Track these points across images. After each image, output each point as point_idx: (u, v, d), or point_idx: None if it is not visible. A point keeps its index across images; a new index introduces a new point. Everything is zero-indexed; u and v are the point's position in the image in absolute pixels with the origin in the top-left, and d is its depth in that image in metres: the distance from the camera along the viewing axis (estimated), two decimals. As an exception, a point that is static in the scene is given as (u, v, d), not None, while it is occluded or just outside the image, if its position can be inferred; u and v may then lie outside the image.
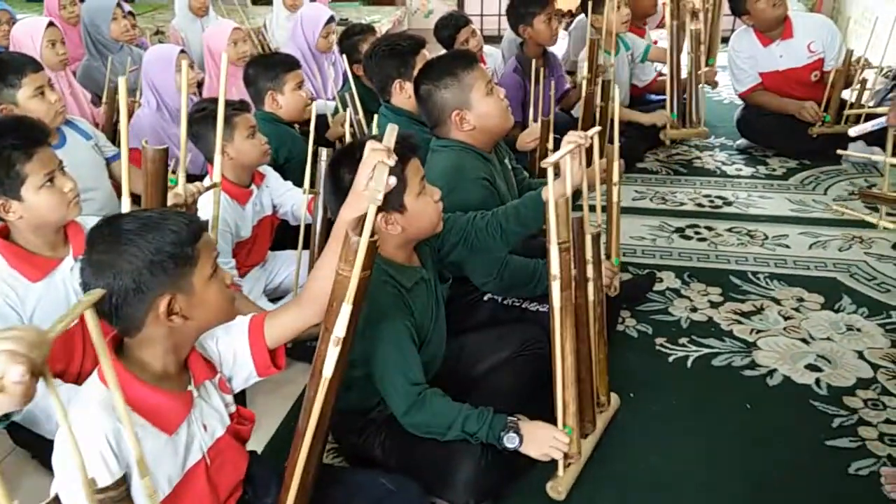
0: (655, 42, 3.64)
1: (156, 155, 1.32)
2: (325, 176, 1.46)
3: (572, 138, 1.51)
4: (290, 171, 2.35)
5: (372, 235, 1.07)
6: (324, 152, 1.84)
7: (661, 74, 3.46)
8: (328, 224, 1.84)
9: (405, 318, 1.43)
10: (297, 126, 2.68)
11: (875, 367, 1.91)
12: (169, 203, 1.44)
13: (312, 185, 2.02)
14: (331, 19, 3.23)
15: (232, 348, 1.21)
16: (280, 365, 1.25)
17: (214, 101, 2.20)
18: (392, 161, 1.08)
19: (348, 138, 2.44)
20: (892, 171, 2.18)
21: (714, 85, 3.57)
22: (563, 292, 1.43)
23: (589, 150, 1.62)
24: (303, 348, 1.85)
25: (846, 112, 3.07)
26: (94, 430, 0.99)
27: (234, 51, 2.98)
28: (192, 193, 1.61)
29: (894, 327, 2.07)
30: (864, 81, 3.10)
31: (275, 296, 2.21)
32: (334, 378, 1.18)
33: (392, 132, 1.14)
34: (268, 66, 2.42)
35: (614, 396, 1.77)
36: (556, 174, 1.43)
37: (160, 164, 1.35)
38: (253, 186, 2.09)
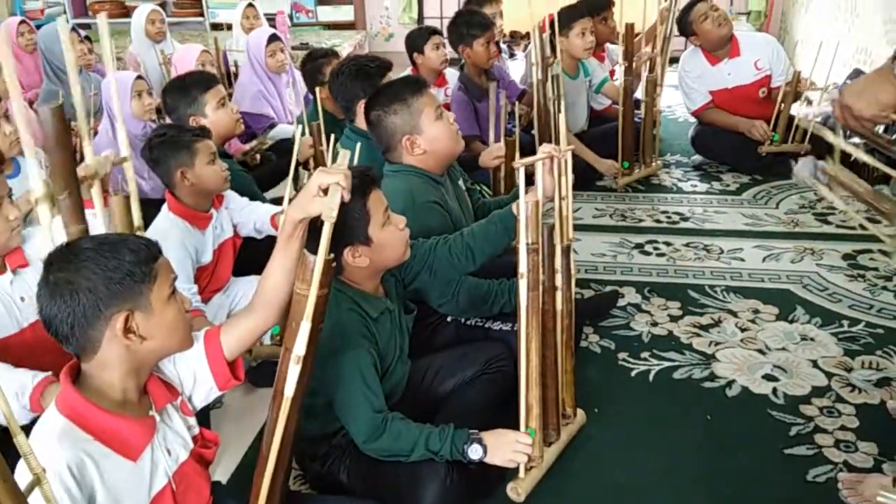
0: (612, 72, 3.73)
1: (53, 114, 1.24)
2: (289, 204, 1.46)
3: (547, 149, 1.54)
4: None
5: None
6: (305, 175, 1.85)
7: (616, 103, 3.54)
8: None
9: (369, 347, 1.44)
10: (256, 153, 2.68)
11: (829, 375, 1.96)
12: (80, 175, 1.39)
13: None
14: (273, 38, 3.22)
15: (190, 366, 1.20)
16: (240, 377, 1.24)
17: (174, 126, 2.20)
18: (346, 183, 1.10)
19: (312, 163, 2.46)
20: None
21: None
22: (531, 292, 1.45)
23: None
24: (266, 376, 1.84)
25: (794, 129, 3.18)
26: (56, 462, 0.98)
27: (201, 74, 2.96)
28: (101, 164, 1.57)
29: (846, 336, 2.14)
30: (808, 101, 3.22)
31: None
32: (296, 398, 1.18)
33: (344, 157, 1.16)
34: (183, 90, 2.29)
35: (580, 412, 1.80)
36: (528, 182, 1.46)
37: (59, 121, 1.27)
38: (212, 210, 2.07)
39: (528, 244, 1.42)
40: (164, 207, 2.00)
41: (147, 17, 3.98)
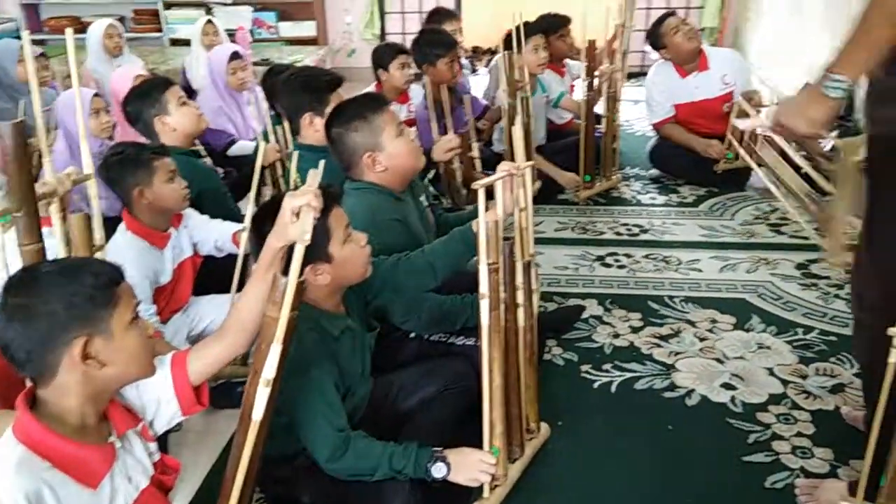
0: (573, 87, 3.79)
1: (13, 130, 1.22)
2: (249, 231, 1.46)
3: (505, 167, 1.56)
4: (205, 206, 2.31)
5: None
6: (268, 192, 1.84)
7: (577, 117, 3.60)
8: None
9: (330, 366, 1.43)
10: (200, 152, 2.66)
11: (785, 382, 2.01)
12: (38, 192, 1.37)
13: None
14: (235, 56, 3.20)
15: (154, 389, 1.18)
16: (204, 402, 1.23)
17: (132, 144, 2.17)
18: (317, 203, 1.11)
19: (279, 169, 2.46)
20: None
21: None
22: (492, 312, 1.45)
23: None
24: (226, 396, 1.82)
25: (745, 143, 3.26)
26: (13, 491, 0.95)
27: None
28: (61, 181, 1.55)
29: (801, 344, 2.19)
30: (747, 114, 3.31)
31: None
32: (264, 421, 1.17)
33: (314, 176, 1.17)
34: (144, 94, 2.33)
35: (544, 426, 1.81)
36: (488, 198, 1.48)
37: (18, 137, 1.25)
38: (171, 229, 2.04)
39: (488, 264, 1.43)
40: (121, 226, 1.97)
41: (105, 32, 3.92)
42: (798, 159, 2.21)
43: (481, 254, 1.43)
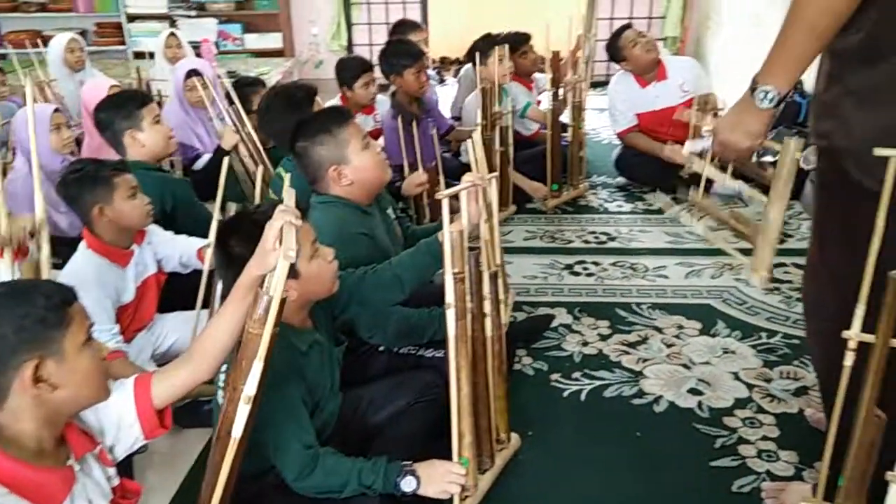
0: (539, 102, 3.84)
1: None
2: (214, 247, 1.44)
3: (470, 177, 1.57)
4: (180, 218, 2.29)
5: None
6: (233, 207, 1.82)
7: (543, 128, 3.64)
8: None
9: (298, 382, 1.42)
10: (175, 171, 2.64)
11: (750, 386, 2.04)
12: None
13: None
14: (192, 73, 3.17)
15: (115, 412, 1.16)
16: (167, 425, 1.22)
17: (91, 161, 2.14)
18: (299, 221, 1.13)
19: (242, 150, 2.46)
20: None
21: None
22: (459, 321, 1.45)
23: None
24: (193, 415, 1.79)
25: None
26: None
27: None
28: (17, 233, 1.53)
29: (765, 348, 2.23)
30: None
31: (163, 361, 2.12)
32: (243, 439, 1.16)
33: (290, 194, 1.17)
34: (119, 105, 2.31)
35: (514, 436, 1.81)
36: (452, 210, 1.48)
37: None
38: (134, 246, 2.01)
39: (454, 274, 1.43)
40: (82, 245, 1.94)
41: (66, 46, 3.87)
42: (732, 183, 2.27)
43: (447, 264, 1.43)
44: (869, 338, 1.12)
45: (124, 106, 2.29)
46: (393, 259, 1.70)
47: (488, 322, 1.62)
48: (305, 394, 1.44)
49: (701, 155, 1.61)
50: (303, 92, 2.37)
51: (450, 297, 1.43)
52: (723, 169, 1.74)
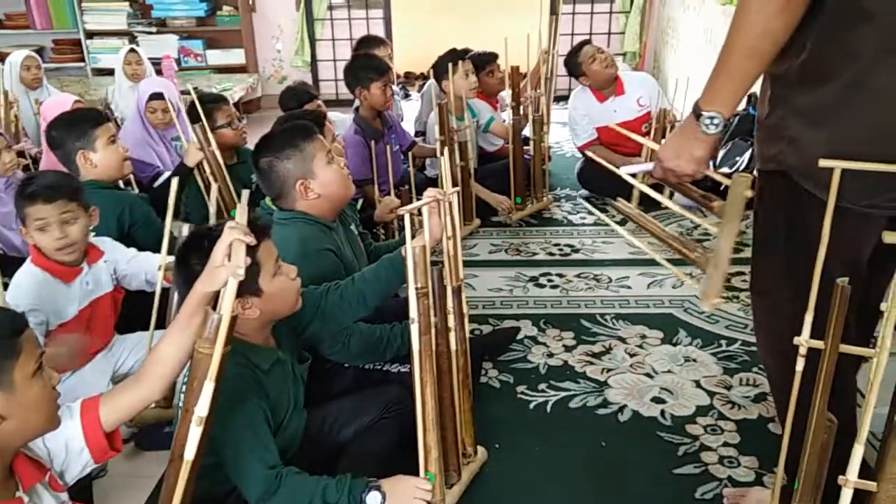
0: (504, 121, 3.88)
1: None
2: (175, 266, 1.43)
3: (431, 193, 1.57)
4: (138, 236, 2.25)
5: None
6: (185, 227, 1.79)
7: (507, 143, 3.68)
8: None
9: (259, 401, 1.41)
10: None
11: (711, 394, 2.08)
12: None
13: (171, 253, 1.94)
14: (156, 96, 3.14)
15: (62, 438, 1.14)
16: (118, 447, 1.19)
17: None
18: (249, 239, 1.11)
19: (206, 167, 2.45)
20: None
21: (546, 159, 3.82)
22: (423, 336, 1.45)
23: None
24: (153, 438, 1.76)
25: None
26: None
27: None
28: None
29: (724, 355, 2.28)
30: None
31: (124, 382, 2.08)
32: (196, 461, 1.14)
33: (243, 211, 1.16)
34: (73, 124, 2.27)
35: (481, 449, 1.82)
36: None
37: None
38: (84, 265, 1.96)
39: (417, 289, 1.44)
40: (28, 259, 1.90)
41: (22, 64, 3.80)
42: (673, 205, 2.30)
43: (410, 278, 1.44)
44: (818, 344, 1.15)
45: (78, 125, 2.25)
46: (356, 275, 1.70)
47: (453, 336, 1.63)
48: (268, 413, 1.43)
49: (635, 176, 1.64)
50: (313, 118, 2.36)
51: (413, 312, 1.44)
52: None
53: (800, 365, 1.19)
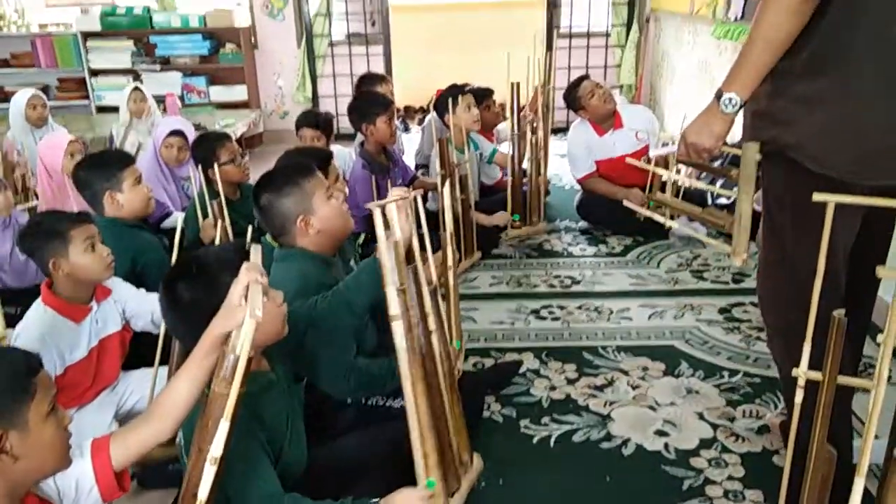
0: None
1: None
2: (161, 294, 1.41)
3: (397, 192, 1.60)
4: (149, 277, 2.27)
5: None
6: None
7: (506, 175, 3.74)
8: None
9: (254, 429, 1.39)
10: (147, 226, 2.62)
11: (714, 426, 2.08)
12: None
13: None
14: (175, 133, 3.19)
15: (73, 477, 1.14)
16: (126, 487, 1.20)
17: (47, 213, 2.14)
18: (265, 279, 1.13)
19: (218, 241, 2.43)
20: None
21: (546, 192, 3.92)
22: (408, 333, 1.44)
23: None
24: (158, 476, 1.76)
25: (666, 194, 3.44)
26: None
27: (71, 163, 2.88)
28: None
29: (727, 387, 2.28)
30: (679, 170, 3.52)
31: (127, 420, 2.08)
32: (209, 501, 1.14)
33: (257, 252, 1.18)
34: (100, 165, 2.33)
35: (476, 457, 1.80)
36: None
37: None
38: (93, 303, 1.99)
39: (396, 286, 1.44)
40: (38, 299, 1.92)
41: (28, 103, 3.86)
42: (697, 182, 2.53)
43: (386, 275, 1.43)
44: (816, 376, 1.17)
45: (106, 166, 2.31)
46: (340, 284, 1.73)
47: (435, 338, 1.60)
48: (263, 440, 1.41)
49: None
50: (320, 155, 2.40)
51: (394, 309, 1.43)
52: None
53: (798, 397, 1.21)
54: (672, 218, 3.09)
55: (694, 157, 1.56)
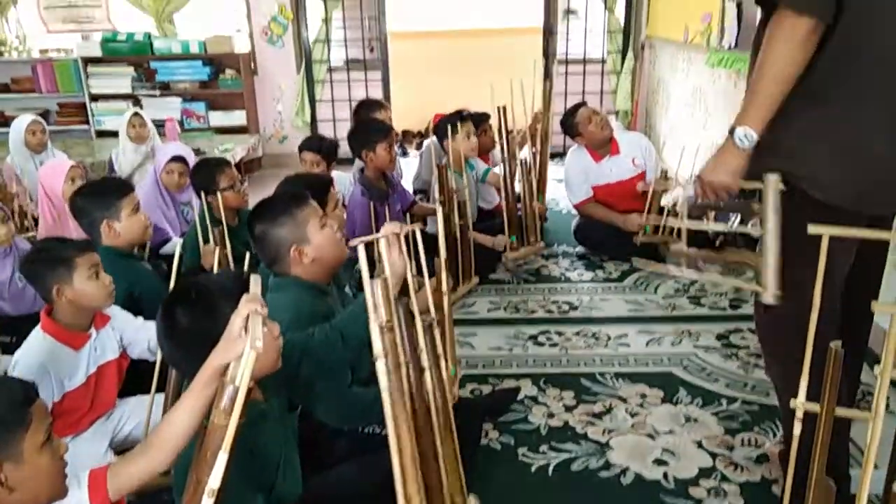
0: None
1: None
2: (159, 320, 1.40)
3: (390, 227, 1.61)
4: (146, 307, 2.27)
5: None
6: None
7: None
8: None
9: (246, 463, 1.39)
10: (144, 255, 2.62)
11: (713, 455, 2.07)
12: None
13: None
14: (177, 159, 3.22)
15: None
16: None
17: (52, 240, 2.14)
18: (265, 310, 1.13)
19: (218, 267, 2.44)
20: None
21: (543, 219, 3.95)
22: (394, 371, 1.40)
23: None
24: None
25: (663, 221, 3.46)
26: None
27: (71, 188, 2.89)
28: None
29: (726, 415, 2.27)
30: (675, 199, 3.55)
31: (123, 447, 2.07)
32: None
33: (256, 282, 1.18)
34: (99, 194, 2.33)
35: (473, 498, 1.76)
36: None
37: None
38: (92, 330, 1.99)
39: (381, 324, 1.40)
40: (38, 326, 1.92)
41: (27, 128, 3.89)
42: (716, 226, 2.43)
43: (370, 314, 1.39)
44: (814, 407, 1.17)
45: (105, 195, 2.31)
46: (336, 316, 1.73)
47: (427, 376, 1.55)
48: (257, 470, 1.41)
49: (676, 206, 1.77)
50: (320, 182, 2.42)
51: (377, 348, 1.38)
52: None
53: (797, 429, 1.21)
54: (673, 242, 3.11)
55: (711, 197, 1.55)
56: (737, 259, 2.01)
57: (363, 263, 1.44)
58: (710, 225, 1.93)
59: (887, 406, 1.72)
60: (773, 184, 1.43)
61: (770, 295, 1.47)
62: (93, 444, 1.98)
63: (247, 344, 1.11)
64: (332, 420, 1.80)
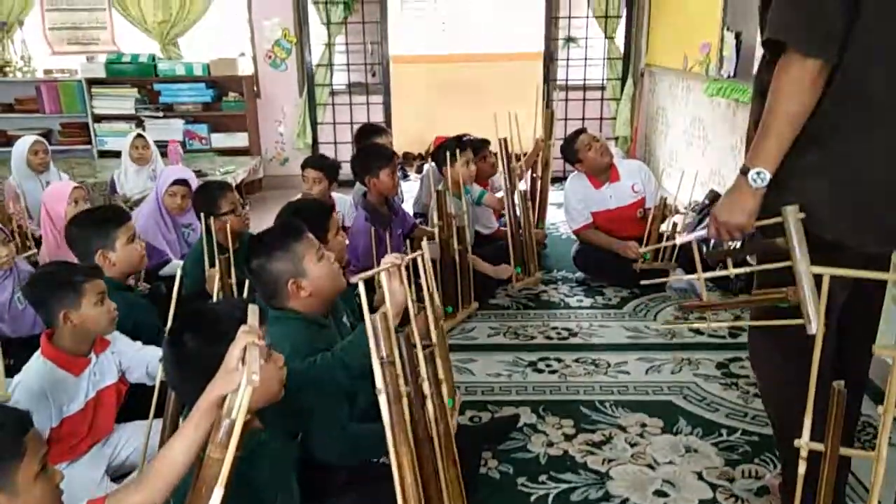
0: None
1: None
2: (165, 344, 1.40)
3: (389, 259, 1.60)
4: (141, 334, 2.26)
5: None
6: None
7: (503, 226, 3.80)
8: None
9: (242, 494, 1.37)
10: (139, 284, 2.62)
11: (714, 487, 2.06)
12: None
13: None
14: (180, 182, 3.23)
15: None
16: None
17: (59, 264, 2.14)
18: (262, 342, 1.12)
19: (216, 296, 2.44)
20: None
21: (542, 246, 4.01)
22: (394, 406, 1.41)
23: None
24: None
25: (662, 245, 3.47)
26: None
27: (74, 210, 2.90)
28: None
29: (726, 445, 2.26)
30: (675, 224, 3.57)
31: (120, 473, 2.06)
32: None
33: (254, 314, 1.18)
34: (94, 223, 2.32)
35: None
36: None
37: None
38: (92, 355, 1.98)
39: (382, 357, 1.42)
40: (38, 352, 1.91)
41: (30, 149, 3.90)
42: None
43: (372, 348, 1.41)
44: (818, 447, 1.17)
45: (101, 226, 2.30)
46: (337, 345, 1.73)
47: (429, 403, 1.57)
48: (254, 501, 1.39)
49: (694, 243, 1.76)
50: (322, 209, 2.43)
51: (379, 382, 1.40)
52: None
53: (801, 468, 1.20)
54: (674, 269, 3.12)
55: (726, 237, 1.54)
56: (765, 298, 1.87)
57: (363, 299, 1.45)
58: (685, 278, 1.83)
59: (890, 439, 1.72)
60: (792, 214, 1.38)
61: (812, 328, 1.39)
62: (89, 469, 1.96)
63: (243, 377, 1.10)
64: (326, 456, 1.79)
